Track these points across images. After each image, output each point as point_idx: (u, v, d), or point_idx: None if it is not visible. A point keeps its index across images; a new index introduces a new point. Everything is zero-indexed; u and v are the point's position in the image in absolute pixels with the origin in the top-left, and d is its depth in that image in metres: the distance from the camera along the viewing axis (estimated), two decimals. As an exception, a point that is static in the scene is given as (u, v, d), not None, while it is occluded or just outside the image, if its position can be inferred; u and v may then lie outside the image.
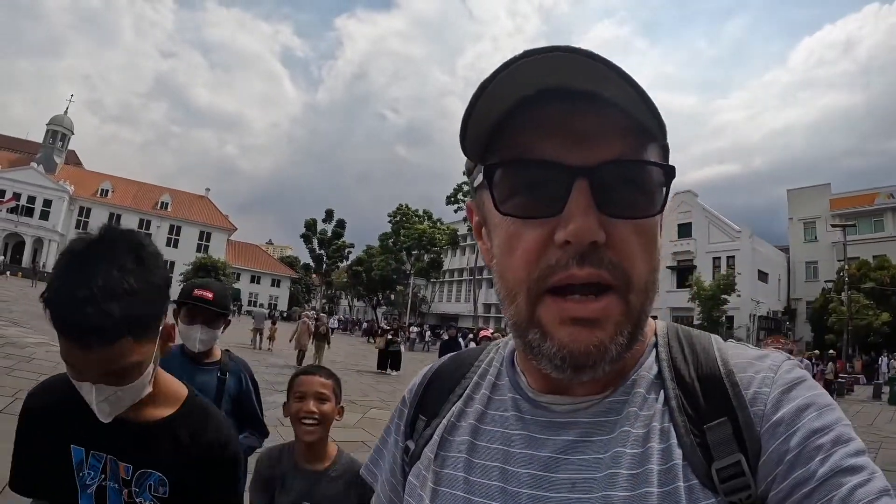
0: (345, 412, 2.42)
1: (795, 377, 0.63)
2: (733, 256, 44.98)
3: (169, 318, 1.29)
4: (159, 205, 74.39)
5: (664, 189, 0.63)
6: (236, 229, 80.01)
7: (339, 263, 77.94)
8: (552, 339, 0.62)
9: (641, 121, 0.59)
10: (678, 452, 0.61)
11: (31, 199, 64.58)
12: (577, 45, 0.56)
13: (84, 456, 1.23)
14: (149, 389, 1.22)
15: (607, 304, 0.61)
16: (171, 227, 73.80)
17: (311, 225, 77.53)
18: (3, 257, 56.89)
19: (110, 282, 1.08)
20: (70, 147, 75.68)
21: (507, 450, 0.70)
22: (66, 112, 73.24)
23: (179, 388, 1.34)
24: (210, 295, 2.63)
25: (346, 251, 76.76)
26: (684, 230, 48.80)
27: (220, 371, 2.70)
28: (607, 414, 0.66)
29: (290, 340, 19.38)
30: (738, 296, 38.89)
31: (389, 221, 67.14)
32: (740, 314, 42.12)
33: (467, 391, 0.81)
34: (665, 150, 0.64)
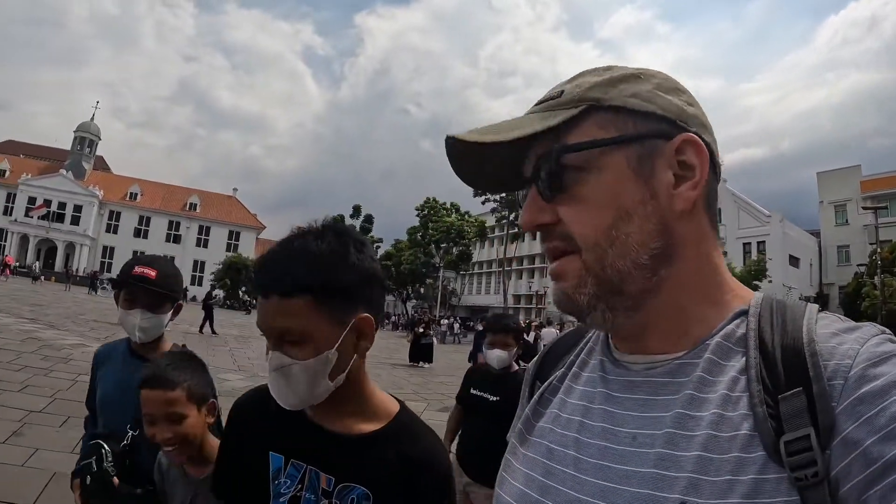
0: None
1: (885, 351, 0.55)
2: (763, 242, 42.83)
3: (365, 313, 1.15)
4: (188, 206, 71.51)
5: (560, 166, 0.67)
6: (265, 228, 76.04)
7: None
8: None
9: (544, 132, 0.67)
10: (747, 423, 0.56)
11: (62, 205, 62.72)
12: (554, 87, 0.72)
13: (283, 464, 1.16)
14: (330, 385, 1.11)
15: (562, 263, 0.68)
16: (201, 227, 70.85)
17: (338, 221, 69.89)
18: (37, 262, 54.57)
19: (305, 246, 1.10)
20: (98, 153, 73.37)
21: (588, 405, 0.71)
22: (92, 119, 71.19)
23: (391, 404, 1.24)
24: (153, 273, 2.02)
25: (375, 246, 70.42)
26: None
27: None
28: (674, 375, 0.65)
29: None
30: (770, 281, 36.51)
31: (417, 215, 63.25)
32: None
33: (572, 356, 0.83)
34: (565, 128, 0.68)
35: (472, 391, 3.61)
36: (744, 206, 44.90)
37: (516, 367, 3.49)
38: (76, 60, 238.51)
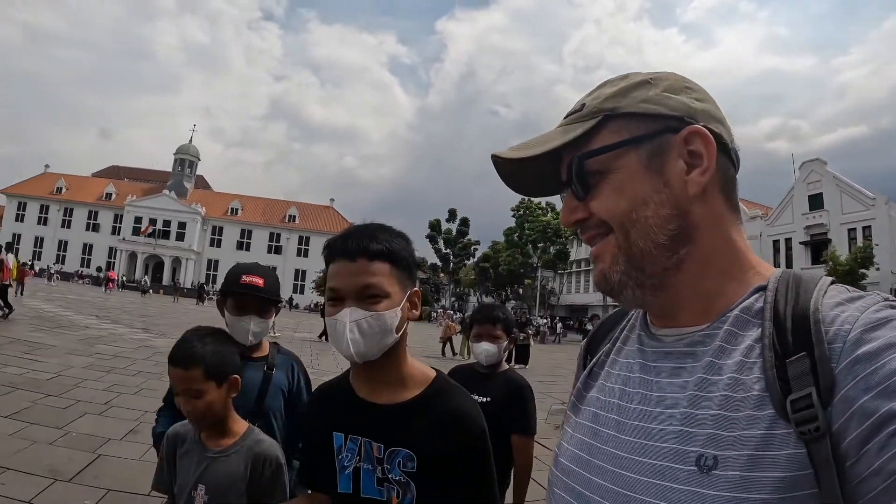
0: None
1: (883, 316, 0.57)
2: (869, 226, 34.38)
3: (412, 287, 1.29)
4: (287, 218, 69.57)
5: (584, 169, 0.72)
6: None
7: (466, 261, 69.75)
8: None
9: (572, 142, 0.72)
10: (759, 385, 0.59)
11: (167, 223, 63.42)
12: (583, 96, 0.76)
13: (343, 441, 1.25)
14: (395, 337, 1.22)
15: (600, 245, 0.73)
16: (300, 237, 68.56)
17: (435, 225, 69.48)
18: (146, 277, 53.65)
19: (382, 226, 1.26)
20: (198, 172, 73.76)
21: (628, 375, 0.75)
22: (190, 141, 71.97)
23: (429, 372, 1.32)
24: (260, 281, 2.04)
25: (473, 248, 68.23)
26: (815, 201, 38.04)
27: (268, 366, 2.08)
28: (698, 344, 0.68)
29: (439, 340, 20.24)
30: (878, 269, 30.73)
31: (513, 216, 59.62)
32: (880, 289, 28.84)
33: (617, 333, 0.87)
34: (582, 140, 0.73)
35: None
36: (846, 189, 36.28)
37: (506, 367, 2.79)
38: (171, 87, 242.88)
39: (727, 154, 0.72)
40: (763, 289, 0.67)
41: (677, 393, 0.66)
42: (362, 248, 1.19)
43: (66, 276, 42.97)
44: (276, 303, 2.10)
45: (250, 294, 1.99)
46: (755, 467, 0.55)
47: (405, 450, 1.19)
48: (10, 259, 15.69)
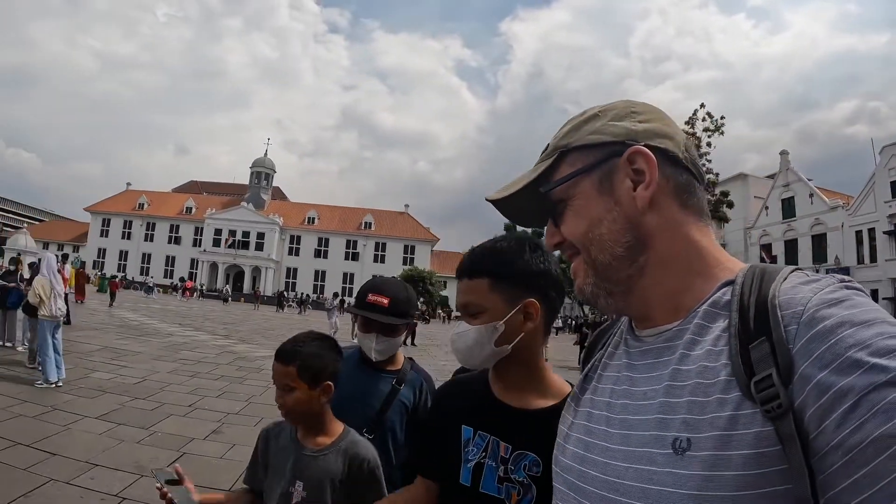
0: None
1: (836, 297, 0.61)
2: None
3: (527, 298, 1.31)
4: (363, 225, 71.23)
5: (551, 200, 0.84)
6: (438, 240, 73.28)
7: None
8: None
9: (539, 187, 0.84)
10: (726, 370, 0.64)
11: (246, 234, 66.28)
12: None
13: (471, 435, 1.31)
14: (496, 349, 1.28)
15: (574, 264, 0.84)
16: (377, 244, 70.28)
17: (510, 227, 63.69)
18: (227, 286, 57.50)
19: (491, 243, 1.35)
20: (274, 184, 77.25)
21: (617, 375, 0.82)
22: (265, 154, 75.56)
23: (565, 386, 1.36)
24: (385, 301, 2.01)
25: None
26: None
27: (397, 381, 2.06)
28: (672, 340, 0.74)
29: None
30: None
31: None
32: None
33: (609, 339, 0.93)
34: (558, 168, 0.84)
35: None
36: None
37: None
38: (243, 103, 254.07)
39: (676, 164, 0.78)
40: (731, 283, 0.72)
41: (655, 385, 0.72)
42: (465, 267, 1.33)
43: (149, 289, 45.39)
44: (404, 322, 2.07)
45: (374, 313, 2.00)
46: (725, 446, 0.60)
47: (533, 454, 1.23)
48: (67, 269, 16.87)
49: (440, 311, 58.01)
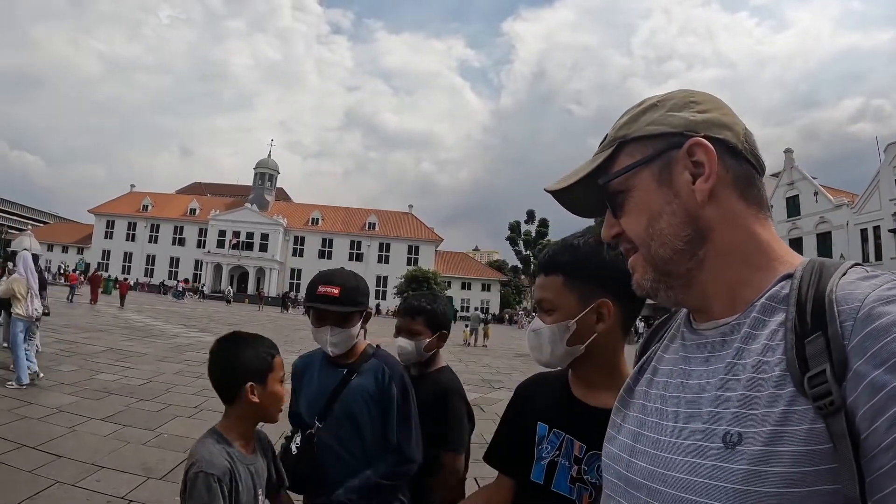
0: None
1: (893, 294, 0.60)
2: None
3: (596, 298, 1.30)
4: (367, 226, 71.34)
5: (609, 192, 0.83)
6: (442, 240, 73.36)
7: None
8: None
9: (598, 174, 0.84)
10: (781, 365, 0.64)
11: (250, 235, 66.23)
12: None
13: (546, 432, 1.31)
14: (569, 348, 1.27)
15: (633, 259, 0.83)
16: (381, 244, 70.54)
17: (514, 227, 70.62)
18: (229, 287, 57.39)
19: (568, 241, 1.33)
20: (278, 185, 76.95)
21: (672, 368, 0.82)
22: (269, 155, 75.30)
23: None
24: (336, 290, 1.97)
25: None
26: None
27: (348, 371, 2.05)
28: (729, 334, 0.74)
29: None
30: None
31: None
32: None
33: (665, 332, 0.94)
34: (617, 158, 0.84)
35: None
36: None
37: (441, 364, 2.39)
38: (247, 104, 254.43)
39: (736, 154, 0.77)
40: (790, 276, 0.71)
41: (710, 378, 0.72)
42: (541, 263, 1.33)
43: (179, 293, 45.77)
44: (359, 310, 2.03)
45: (325, 305, 1.98)
46: (776, 442, 0.60)
47: None
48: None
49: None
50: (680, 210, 0.77)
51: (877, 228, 35.72)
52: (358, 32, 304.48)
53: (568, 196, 0.89)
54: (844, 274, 0.68)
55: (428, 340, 2.25)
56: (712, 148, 0.75)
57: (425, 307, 2.31)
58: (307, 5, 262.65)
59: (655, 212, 0.78)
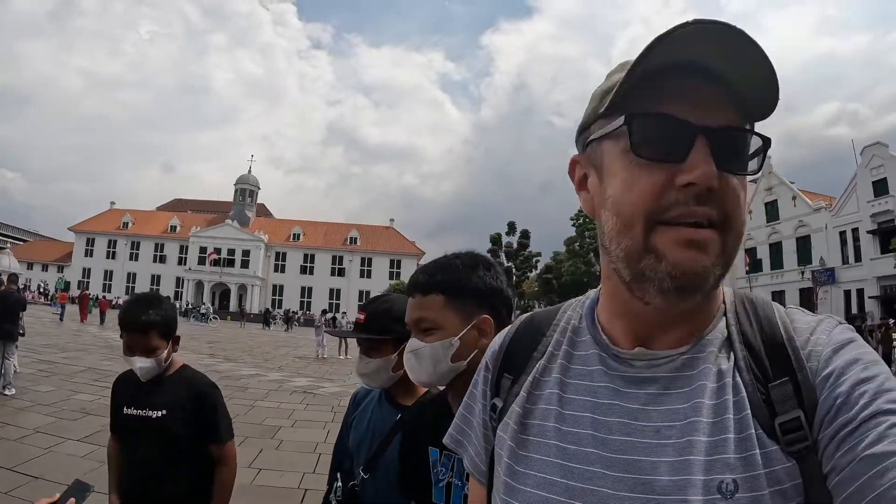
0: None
1: (846, 338, 0.64)
2: None
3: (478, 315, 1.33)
4: (348, 240, 70.63)
5: (762, 156, 0.66)
6: (424, 253, 72.24)
7: (529, 273, 68.20)
8: (667, 261, 0.62)
9: (754, 98, 0.63)
10: (747, 408, 0.62)
11: (231, 252, 65.55)
12: (729, 22, 0.59)
13: (438, 455, 1.32)
14: (453, 365, 1.27)
15: (713, 234, 0.62)
16: (363, 259, 69.75)
17: (496, 240, 68.42)
18: (206, 304, 55.39)
19: (444, 260, 1.37)
20: (259, 201, 76.29)
21: (595, 401, 0.69)
22: (249, 171, 74.53)
23: None
24: (361, 317, 1.83)
25: (534, 260, 67.00)
26: (880, 187, 35.59)
27: (402, 414, 1.77)
28: (684, 369, 0.66)
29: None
30: None
31: (573, 225, 58.23)
32: None
33: (549, 348, 0.80)
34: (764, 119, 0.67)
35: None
36: None
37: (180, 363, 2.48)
38: (229, 120, 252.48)
39: None
40: (724, 312, 0.70)
41: (674, 421, 0.64)
42: (417, 283, 1.33)
43: (203, 316, 44.86)
44: (393, 339, 1.74)
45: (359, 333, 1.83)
46: (766, 485, 0.58)
47: None
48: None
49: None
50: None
51: (855, 230, 36.29)
52: (338, 46, 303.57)
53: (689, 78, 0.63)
54: (789, 318, 0.68)
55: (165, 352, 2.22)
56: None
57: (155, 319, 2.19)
58: (287, 20, 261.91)
59: (746, 211, 0.66)
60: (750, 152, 0.65)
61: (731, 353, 0.66)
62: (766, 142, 0.65)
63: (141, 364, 2.08)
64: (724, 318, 0.69)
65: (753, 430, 0.61)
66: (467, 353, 1.27)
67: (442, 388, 1.39)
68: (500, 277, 1.36)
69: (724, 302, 0.71)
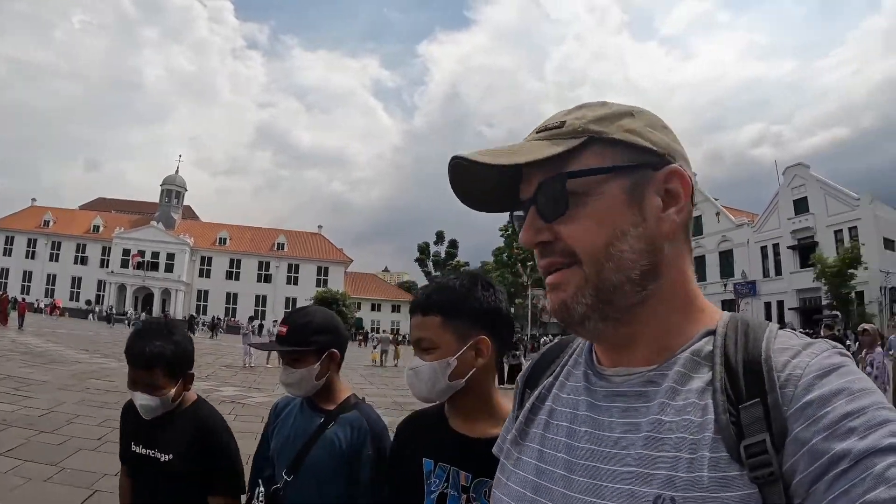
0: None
1: (833, 363, 0.60)
2: (855, 227, 36.68)
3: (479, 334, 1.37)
4: (276, 246, 70.00)
5: (564, 190, 0.69)
6: (352, 261, 73.35)
7: None
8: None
9: (548, 159, 0.69)
10: (713, 427, 0.60)
11: (155, 255, 63.84)
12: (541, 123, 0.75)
13: (433, 467, 1.35)
14: (451, 384, 1.33)
15: (563, 274, 0.70)
16: (290, 265, 69.42)
17: (423, 249, 70.59)
18: (133, 311, 55.59)
19: (444, 280, 1.41)
20: (185, 203, 74.78)
21: (575, 412, 0.74)
22: (177, 171, 72.57)
23: None
24: (283, 330, 1.83)
25: (462, 270, 63.44)
26: (800, 205, 39.73)
27: (326, 418, 1.83)
28: (648, 385, 0.68)
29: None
30: (866, 268, 32.20)
31: (501, 235, 59.87)
32: (870, 288, 34.08)
33: (559, 367, 0.87)
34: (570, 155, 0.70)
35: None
36: (831, 191, 38.64)
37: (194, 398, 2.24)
38: (159, 117, 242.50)
39: (691, 198, 0.72)
40: (712, 332, 0.68)
41: (631, 434, 0.65)
42: (418, 304, 1.35)
43: (78, 313, 43.27)
44: (315, 350, 1.80)
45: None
46: None
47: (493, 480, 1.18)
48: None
49: (356, 334, 58.92)
50: (644, 236, 0.68)
51: (776, 245, 39.64)
52: (273, 48, 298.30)
53: (472, 176, 0.73)
54: (776, 338, 0.65)
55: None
56: (690, 181, 0.71)
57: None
58: (224, 18, 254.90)
59: (620, 230, 0.68)
60: (584, 176, 0.68)
61: (711, 373, 0.65)
62: (563, 177, 0.69)
63: (142, 402, 1.86)
64: (711, 338, 0.68)
65: (708, 453, 0.59)
66: (465, 372, 1.30)
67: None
68: (500, 297, 1.37)
69: (717, 324, 0.70)
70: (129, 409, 2.03)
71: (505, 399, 1.36)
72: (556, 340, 0.95)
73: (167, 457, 1.91)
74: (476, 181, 0.75)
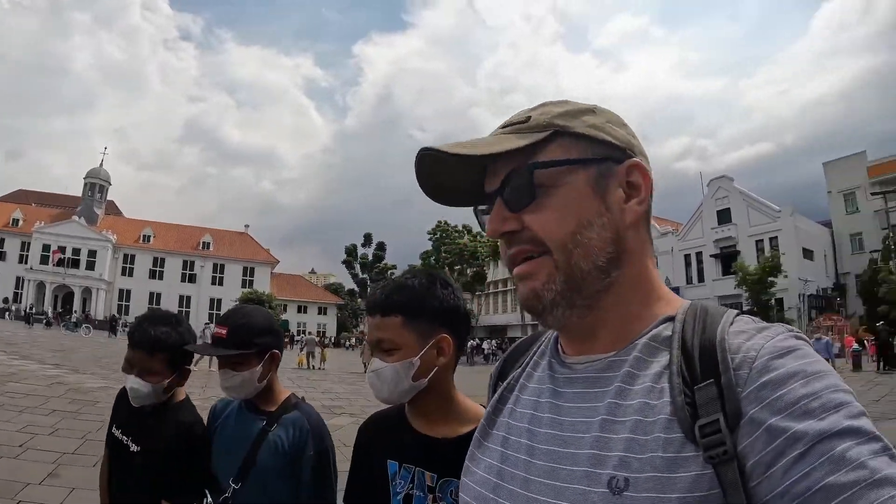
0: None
1: (788, 346, 0.61)
2: (776, 237, 39.96)
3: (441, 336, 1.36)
4: (201, 245, 68.33)
5: (532, 180, 0.73)
6: (278, 262, 73.08)
7: None
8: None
9: (515, 151, 0.72)
10: (668, 409, 0.62)
11: (76, 251, 60.60)
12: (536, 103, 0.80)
13: (398, 468, 1.35)
14: (414, 384, 1.32)
15: (532, 264, 0.74)
16: (215, 265, 67.98)
17: (351, 251, 70.77)
18: (52, 310, 52.76)
19: (402, 280, 1.38)
20: (109, 198, 71.26)
21: (538, 400, 0.77)
22: (101, 164, 69.03)
23: (480, 410, 1.34)
24: (223, 331, 1.76)
25: (389, 273, 67.61)
26: (724, 216, 43.14)
27: (267, 421, 1.80)
28: (606, 371, 0.71)
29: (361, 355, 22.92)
30: (786, 276, 34.26)
31: (429, 239, 61.12)
32: (789, 295, 36.87)
33: (527, 359, 0.89)
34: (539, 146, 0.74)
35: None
36: (753, 203, 42.20)
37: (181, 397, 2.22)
38: (85, 107, 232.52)
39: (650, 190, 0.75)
40: (671, 319, 0.70)
41: (588, 418, 0.68)
42: (377, 304, 1.33)
43: (74, 325, 40.36)
44: (257, 353, 1.75)
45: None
46: (664, 488, 0.57)
47: (457, 480, 1.14)
48: None
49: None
50: (610, 225, 0.72)
51: (699, 254, 43.05)
52: (207, 40, 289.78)
53: (441, 171, 0.77)
54: (732, 322, 0.67)
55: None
56: (650, 175, 0.75)
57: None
58: (158, 6, 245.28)
59: (586, 219, 0.72)
60: (549, 167, 0.72)
61: (668, 357, 0.66)
62: (531, 168, 0.72)
63: (133, 384, 1.84)
64: (669, 324, 0.70)
65: (662, 434, 0.60)
66: (427, 372, 1.30)
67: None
68: (458, 296, 1.38)
69: (677, 311, 0.72)
70: (124, 394, 2.00)
71: (465, 397, 1.40)
72: (526, 336, 0.98)
73: (136, 447, 1.92)
74: (443, 175, 0.78)
